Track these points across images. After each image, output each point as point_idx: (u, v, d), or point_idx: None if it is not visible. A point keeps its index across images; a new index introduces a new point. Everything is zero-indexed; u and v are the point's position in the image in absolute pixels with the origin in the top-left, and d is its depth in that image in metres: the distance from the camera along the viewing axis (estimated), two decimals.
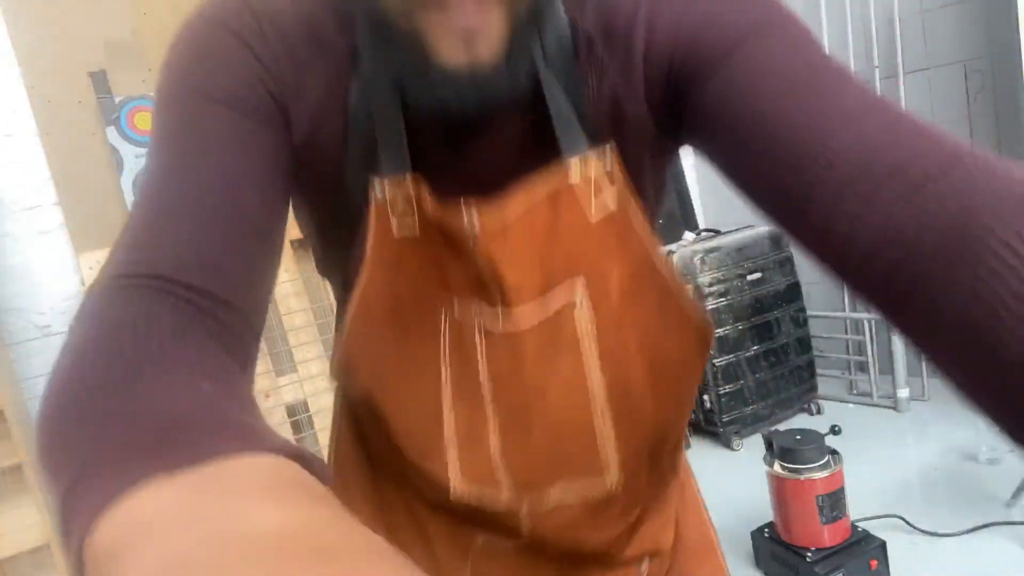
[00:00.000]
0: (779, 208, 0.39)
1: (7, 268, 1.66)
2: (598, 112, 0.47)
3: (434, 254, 0.50)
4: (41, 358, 1.68)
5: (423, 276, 0.50)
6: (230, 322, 0.39)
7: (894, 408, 2.30)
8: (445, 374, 0.52)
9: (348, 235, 0.51)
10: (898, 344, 2.21)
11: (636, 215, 0.48)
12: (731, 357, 2.26)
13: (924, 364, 2.31)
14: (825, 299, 2.53)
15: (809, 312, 2.44)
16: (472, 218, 0.47)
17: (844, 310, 2.49)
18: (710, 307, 2.22)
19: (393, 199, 0.48)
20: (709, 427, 2.33)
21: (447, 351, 0.52)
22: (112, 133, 1.74)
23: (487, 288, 0.49)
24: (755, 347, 2.30)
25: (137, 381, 0.30)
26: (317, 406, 1.88)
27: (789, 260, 2.37)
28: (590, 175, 0.47)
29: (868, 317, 2.36)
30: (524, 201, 0.47)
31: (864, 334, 2.42)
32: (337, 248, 0.53)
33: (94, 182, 1.72)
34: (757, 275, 2.30)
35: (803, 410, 2.41)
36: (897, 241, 0.33)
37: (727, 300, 2.25)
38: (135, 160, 1.77)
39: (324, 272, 0.59)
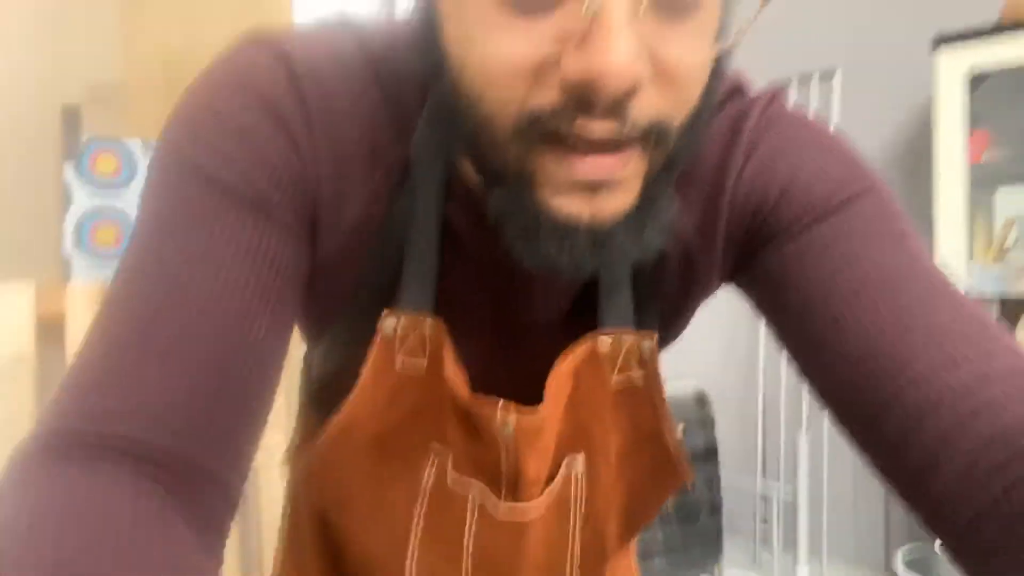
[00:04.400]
0: (845, 410, 0.36)
1: None
2: (664, 269, 0.44)
3: (436, 411, 0.43)
4: None
5: (417, 424, 0.44)
6: (209, 496, 0.31)
7: None
8: (417, 520, 0.46)
9: (345, 352, 0.45)
10: (803, 522, 2.25)
11: (658, 391, 0.45)
12: None
13: (825, 546, 2.35)
14: (741, 466, 2.58)
15: (723, 477, 2.47)
16: (507, 418, 0.40)
17: (756, 481, 2.53)
18: None
19: (404, 336, 0.41)
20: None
21: (424, 506, 0.45)
22: (69, 170, 1.70)
23: (496, 474, 0.43)
24: (669, 500, 2.29)
25: None
26: (267, 478, 1.72)
27: (711, 421, 2.42)
28: (622, 349, 0.42)
29: (778, 490, 2.41)
30: (558, 388, 0.42)
31: (772, 507, 2.45)
32: (330, 358, 0.47)
33: (36, 215, 1.66)
34: (679, 428, 2.34)
35: (706, 574, 2.38)
36: (981, 493, 0.30)
37: None
38: (86, 200, 1.72)
39: (308, 360, 0.54)
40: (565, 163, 0.30)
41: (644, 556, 2.23)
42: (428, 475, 0.45)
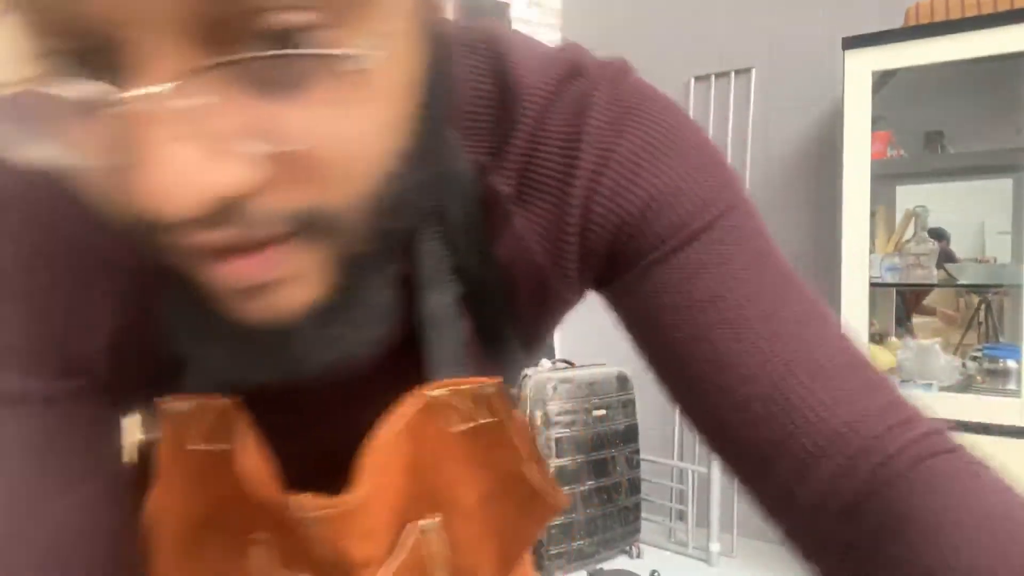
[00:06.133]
0: (731, 451, 0.36)
1: None
2: (516, 297, 0.40)
3: (246, 500, 0.38)
4: None
5: (231, 513, 0.39)
6: None
7: (706, 561, 2.40)
8: None
9: (148, 434, 0.42)
10: (715, 498, 2.35)
11: (515, 430, 0.40)
12: (567, 490, 2.30)
13: (735, 522, 2.46)
14: (658, 444, 2.66)
15: (642, 455, 2.55)
16: (308, 513, 0.34)
17: (673, 458, 2.62)
18: (555, 436, 2.26)
19: (193, 413, 0.36)
20: (532, 556, 2.31)
21: None
22: None
23: (325, 565, 0.38)
24: (590, 482, 2.35)
25: None
26: None
27: (632, 402, 2.49)
28: (460, 399, 0.37)
29: (693, 468, 2.50)
30: (381, 459, 0.36)
31: (687, 484, 2.55)
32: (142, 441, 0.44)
33: None
34: (602, 412, 2.40)
35: (624, 552, 2.46)
36: (834, 506, 0.32)
37: (571, 432, 2.31)
38: None
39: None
40: (208, 272, 0.26)
41: (568, 538, 2.28)
42: (255, 567, 0.41)
